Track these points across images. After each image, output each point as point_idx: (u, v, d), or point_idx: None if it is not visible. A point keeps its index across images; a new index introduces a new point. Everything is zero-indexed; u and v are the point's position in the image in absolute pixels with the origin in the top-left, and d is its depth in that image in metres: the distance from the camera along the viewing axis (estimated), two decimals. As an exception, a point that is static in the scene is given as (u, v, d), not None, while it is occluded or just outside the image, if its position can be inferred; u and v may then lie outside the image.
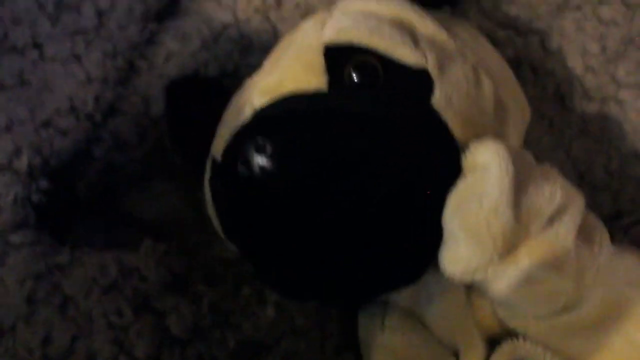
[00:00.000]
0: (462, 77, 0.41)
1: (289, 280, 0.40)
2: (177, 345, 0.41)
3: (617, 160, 0.51)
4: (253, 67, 0.53)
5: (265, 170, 0.36)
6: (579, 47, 0.51)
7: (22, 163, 0.45)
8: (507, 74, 0.47)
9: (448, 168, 0.38)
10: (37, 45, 0.51)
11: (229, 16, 0.55)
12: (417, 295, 0.43)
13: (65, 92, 0.50)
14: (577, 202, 0.38)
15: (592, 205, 0.42)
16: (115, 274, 0.42)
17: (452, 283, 0.39)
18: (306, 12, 0.53)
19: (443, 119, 0.39)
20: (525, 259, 0.36)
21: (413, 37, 0.42)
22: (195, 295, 0.43)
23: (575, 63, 0.51)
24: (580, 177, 0.52)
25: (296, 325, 0.44)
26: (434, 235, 0.38)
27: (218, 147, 0.42)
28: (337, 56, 0.41)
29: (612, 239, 0.40)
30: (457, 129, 0.39)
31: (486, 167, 0.36)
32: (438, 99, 0.40)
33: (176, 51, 0.55)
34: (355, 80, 0.40)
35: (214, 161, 0.43)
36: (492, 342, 0.42)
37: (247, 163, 0.36)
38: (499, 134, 0.42)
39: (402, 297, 0.44)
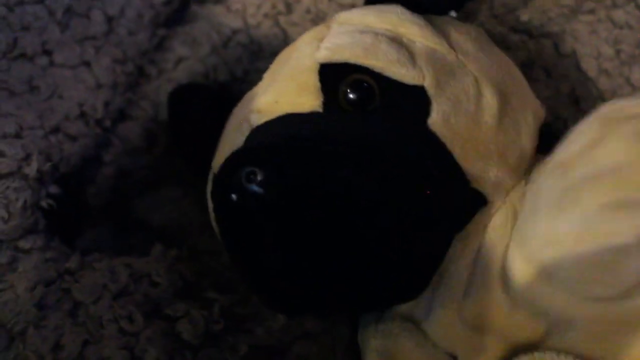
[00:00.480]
0: (461, 93, 0.41)
1: (280, 298, 0.40)
2: (189, 351, 0.40)
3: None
4: (263, 72, 0.52)
5: (255, 198, 0.35)
6: (592, 50, 0.51)
7: (32, 169, 0.45)
8: (516, 77, 0.46)
9: (447, 189, 0.38)
10: (47, 52, 0.51)
11: (238, 21, 0.55)
12: (416, 304, 0.42)
13: (75, 98, 0.50)
14: None
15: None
16: (125, 279, 0.42)
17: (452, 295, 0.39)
18: (316, 17, 0.53)
19: (440, 140, 0.39)
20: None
21: (411, 52, 0.41)
22: (206, 301, 0.43)
23: (589, 66, 0.51)
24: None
25: (307, 329, 0.44)
26: (433, 249, 0.39)
27: (218, 161, 0.43)
28: (332, 75, 0.40)
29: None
30: (456, 147, 0.39)
31: None
32: (435, 119, 0.39)
33: (185, 56, 0.55)
34: (351, 100, 0.40)
35: (214, 175, 0.43)
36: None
37: (238, 190, 0.36)
38: (503, 144, 0.41)
39: (401, 305, 0.43)
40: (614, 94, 0.50)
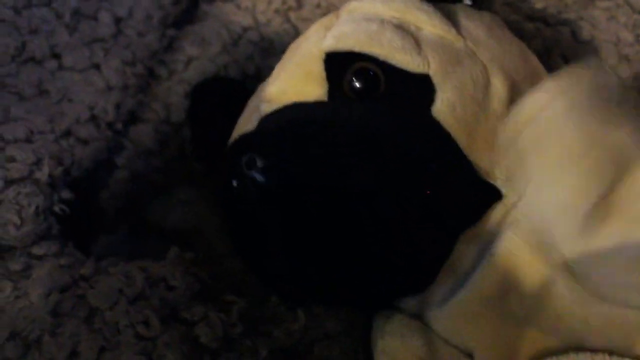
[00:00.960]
0: (468, 81, 0.40)
1: (285, 286, 0.41)
2: (208, 355, 0.39)
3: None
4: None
5: (255, 184, 0.36)
6: (611, 36, 0.50)
7: (43, 173, 0.45)
8: (531, 65, 0.45)
9: (451, 181, 0.38)
10: (56, 55, 0.50)
11: (248, 19, 0.54)
12: (425, 300, 0.42)
13: (85, 101, 0.50)
14: None
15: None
16: (141, 284, 0.41)
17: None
18: (327, 11, 0.52)
19: (444, 129, 0.39)
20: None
21: (416, 40, 0.41)
22: (224, 304, 0.42)
23: (608, 53, 0.50)
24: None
25: (328, 329, 0.43)
26: (437, 246, 0.39)
27: None
28: (337, 64, 0.40)
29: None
30: (462, 136, 0.39)
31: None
32: (439, 107, 0.39)
33: (196, 56, 0.54)
34: (355, 88, 0.40)
35: None
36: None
37: (239, 176, 0.36)
38: None
39: (410, 303, 0.43)
40: (636, 80, 0.49)
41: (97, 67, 0.51)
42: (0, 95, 0.47)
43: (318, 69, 0.41)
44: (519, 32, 0.49)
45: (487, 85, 0.40)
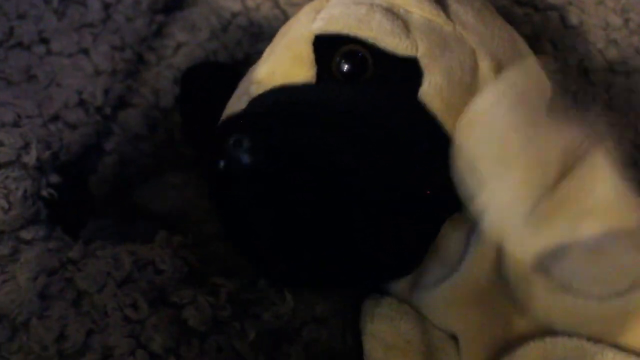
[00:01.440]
0: (456, 64, 0.40)
1: (274, 268, 0.41)
2: (196, 338, 0.39)
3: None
4: (264, 54, 0.52)
5: (241, 165, 0.36)
6: (600, 20, 0.50)
7: (31, 157, 0.44)
8: (519, 50, 0.45)
9: (435, 160, 0.38)
10: (44, 40, 0.50)
11: (237, 4, 0.54)
12: (414, 284, 0.42)
13: (74, 86, 0.50)
14: None
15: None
16: (129, 267, 0.41)
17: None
18: (317, -4, 0.52)
19: (431, 112, 0.39)
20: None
21: (405, 23, 0.41)
22: (212, 287, 0.42)
23: (597, 37, 0.50)
24: (606, 153, 0.50)
25: (317, 313, 0.43)
26: (423, 228, 0.39)
27: None
28: (326, 46, 0.41)
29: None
30: (448, 120, 0.39)
31: None
32: (426, 90, 0.39)
33: (185, 42, 0.54)
34: (344, 71, 0.40)
35: None
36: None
37: (226, 157, 0.36)
38: None
39: (399, 287, 0.43)
40: (624, 65, 0.49)
41: (85, 52, 0.51)
42: (-12, 81, 0.47)
43: (307, 51, 0.41)
44: (508, 17, 0.49)
45: (475, 68, 0.41)
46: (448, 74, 0.40)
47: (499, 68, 0.41)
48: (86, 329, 0.39)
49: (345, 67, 0.40)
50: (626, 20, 0.49)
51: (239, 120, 0.40)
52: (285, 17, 0.53)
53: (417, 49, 0.40)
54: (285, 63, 0.41)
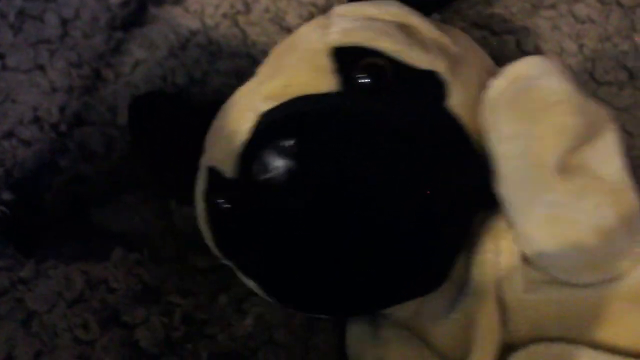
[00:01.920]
0: (472, 81, 0.41)
1: (302, 294, 0.39)
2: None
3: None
4: (222, 73, 0.52)
5: (287, 172, 0.35)
6: (555, 46, 0.50)
7: (-17, 174, 0.44)
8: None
9: (471, 175, 0.39)
10: (-1, 55, 0.49)
11: (196, 22, 0.54)
12: (420, 311, 0.42)
13: (29, 102, 0.49)
14: None
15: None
16: (81, 286, 0.41)
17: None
18: (275, 16, 0.52)
19: (460, 123, 0.39)
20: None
21: (420, 40, 0.41)
22: (167, 306, 0.42)
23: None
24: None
25: (275, 336, 0.43)
26: (446, 250, 0.38)
27: (218, 156, 0.42)
28: (345, 58, 0.40)
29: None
30: (473, 132, 0.39)
31: None
32: (454, 102, 0.39)
33: (143, 59, 0.54)
34: (365, 82, 0.39)
35: (211, 172, 0.42)
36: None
37: (267, 165, 0.36)
38: None
39: (404, 311, 0.42)
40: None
41: (41, 68, 0.50)
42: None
43: (325, 62, 0.40)
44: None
45: (482, 87, 0.40)
46: (469, 88, 0.40)
47: None
48: (35, 350, 0.38)
49: (367, 79, 0.39)
50: (580, 46, 0.50)
51: (274, 126, 0.39)
52: (244, 36, 0.53)
53: (438, 63, 0.40)
54: (302, 75, 0.40)
